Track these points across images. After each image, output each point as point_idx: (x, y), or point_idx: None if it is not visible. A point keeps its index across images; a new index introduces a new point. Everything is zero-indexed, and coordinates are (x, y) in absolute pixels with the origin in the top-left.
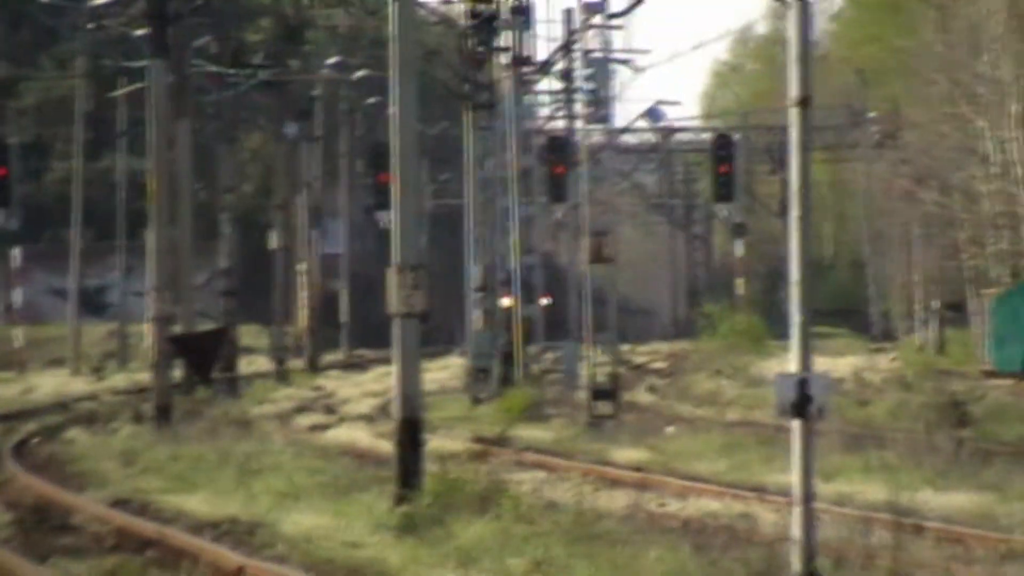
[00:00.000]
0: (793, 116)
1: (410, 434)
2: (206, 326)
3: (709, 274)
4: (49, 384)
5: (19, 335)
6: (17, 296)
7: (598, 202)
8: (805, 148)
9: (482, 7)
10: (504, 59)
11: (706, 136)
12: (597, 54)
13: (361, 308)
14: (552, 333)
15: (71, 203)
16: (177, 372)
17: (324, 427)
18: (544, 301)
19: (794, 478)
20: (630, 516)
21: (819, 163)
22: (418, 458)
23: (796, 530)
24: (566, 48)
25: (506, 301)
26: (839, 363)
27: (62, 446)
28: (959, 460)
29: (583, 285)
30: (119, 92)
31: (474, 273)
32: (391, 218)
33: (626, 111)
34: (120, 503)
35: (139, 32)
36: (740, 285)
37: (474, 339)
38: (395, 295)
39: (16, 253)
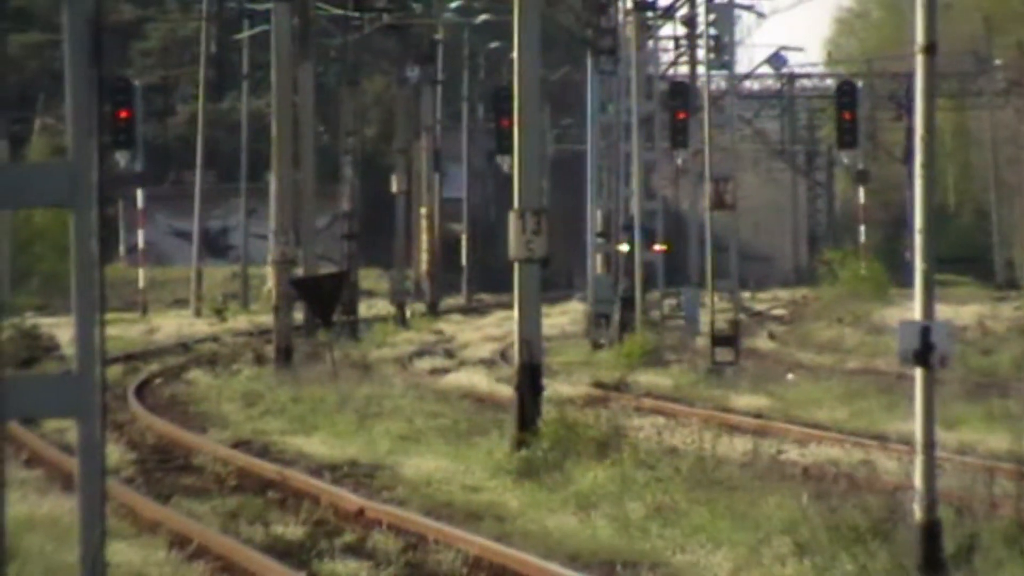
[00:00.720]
0: (919, 63)
1: (530, 379)
2: (327, 269)
3: (831, 221)
4: (171, 325)
5: (142, 276)
6: (140, 237)
7: (720, 148)
8: (930, 96)
9: None
10: (627, 4)
11: (829, 83)
12: None
13: (482, 252)
14: (672, 279)
15: (194, 145)
16: (298, 315)
17: (444, 371)
18: (658, 247)
19: (916, 426)
20: (750, 463)
21: (944, 111)
22: (537, 403)
23: (917, 479)
24: None
25: (623, 247)
26: (962, 311)
27: (184, 387)
28: None
29: (704, 231)
30: (243, 34)
31: (595, 218)
32: (512, 163)
33: (749, 57)
34: (241, 444)
35: None
36: (862, 232)
37: (594, 284)
38: (516, 240)
39: (140, 194)
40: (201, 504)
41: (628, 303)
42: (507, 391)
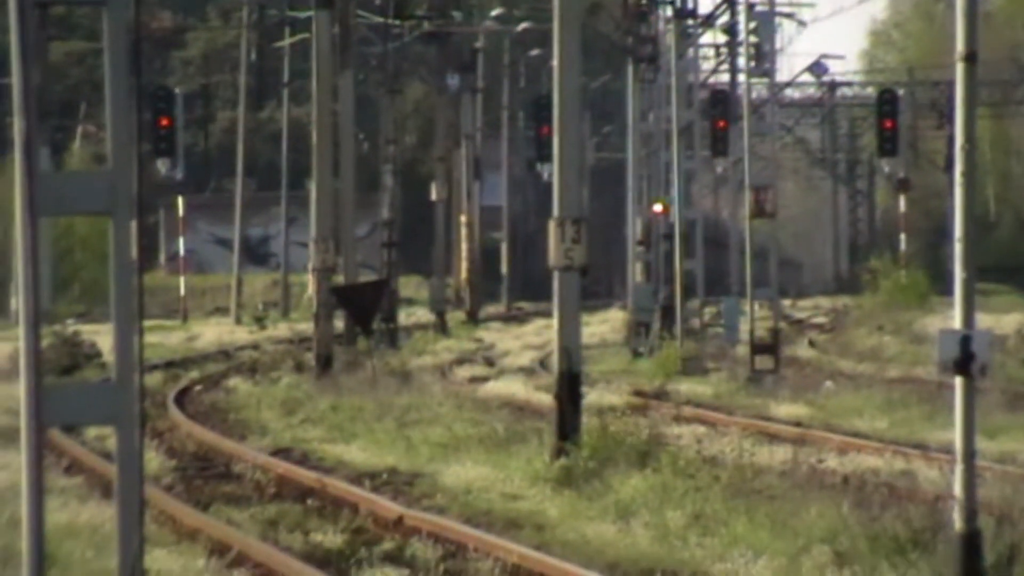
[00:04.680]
0: (959, 72)
1: (569, 387)
2: (367, 277)
3: (871, 230)
4: (212, 333)
5: (183, 284)
6: (181, 245)
7: (760, 157)
8: (970, 104)
9: None
10: (667, 12)
11: (870, 91)
12: (761, 7)
13: (521, 261)
14: (712, 288)
15: (235, 153)
16: (338, 323)
17: (483, 379)
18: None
19: (956, 435)
20: (789, 472)
21: (984, 119)
22: (577, 411)
23: (958, 488)
24: (730, 1)
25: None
26: (1002, 321)
27: (224, 394)
28: None
29: (744, 240)
30: (283, 43)
31: (635, 227)
32: (552, 171)
33: (790, 65)
34: (281, 452)
35: None
36: (903, 241)
37: (634, 293)
38: (555, 248)
39: (180, 202)
40: (240, 512)
41: (668, 311)
42: (547, 399)
